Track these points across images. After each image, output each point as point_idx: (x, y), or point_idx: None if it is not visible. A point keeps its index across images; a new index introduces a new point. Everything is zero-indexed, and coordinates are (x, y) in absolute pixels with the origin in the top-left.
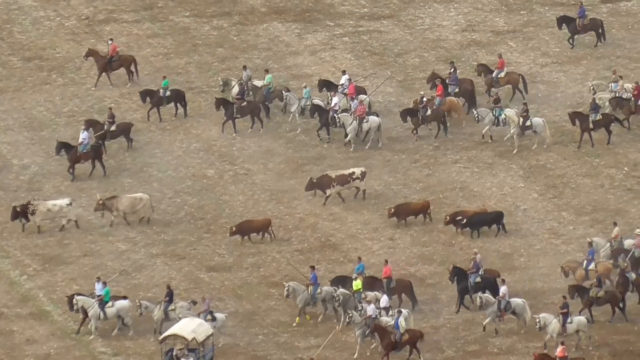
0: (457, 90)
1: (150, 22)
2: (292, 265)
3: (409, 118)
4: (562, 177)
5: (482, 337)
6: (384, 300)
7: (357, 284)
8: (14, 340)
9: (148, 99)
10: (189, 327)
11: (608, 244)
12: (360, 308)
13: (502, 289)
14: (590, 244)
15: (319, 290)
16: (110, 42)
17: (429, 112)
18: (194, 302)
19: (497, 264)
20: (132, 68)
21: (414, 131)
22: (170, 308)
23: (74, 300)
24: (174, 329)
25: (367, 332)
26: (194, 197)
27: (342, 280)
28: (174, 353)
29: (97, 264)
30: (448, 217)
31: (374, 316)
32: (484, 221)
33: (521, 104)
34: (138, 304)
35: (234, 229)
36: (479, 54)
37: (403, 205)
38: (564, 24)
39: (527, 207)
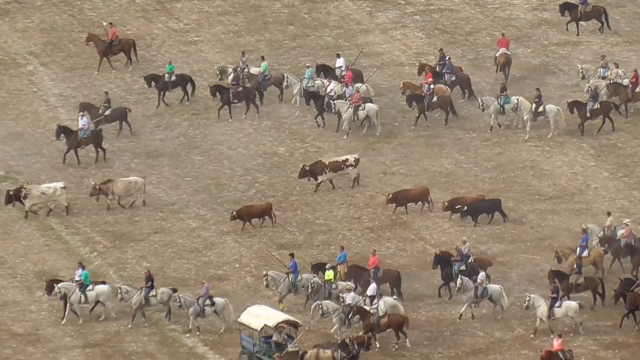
0: (453, 78)
1: None
2: (269, 252)
3: (414, 103)
4: (633, 156)
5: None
6: (372, 288)
7: (329, 274)
8: (84, 317)
9: (153, 84)
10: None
11: (602, 232)
12: (341, 298)
13: (480, 275)
14: (585, 230)
15: (299, 277)
16: (110, 26)
17: (435, 98)
18: (175, 290)
19: (568, 242)
20: (133, 52)
21: (418, 118)
22: (151, 294)
23: (56, 288)
24: (275, 317)
25: (345, 318)
26: (264, 175)
27: (322, 267)
28: (274, 339)
29: (167, 241)
30: (447, 203)
31: (352, 304)
32: (483, 208)
33: (534, 90)
34: (118, 289)
35: (234, 213)
36: (550, 33)
37: (402, 192)
38: (566, 11)
39: (598, 186)
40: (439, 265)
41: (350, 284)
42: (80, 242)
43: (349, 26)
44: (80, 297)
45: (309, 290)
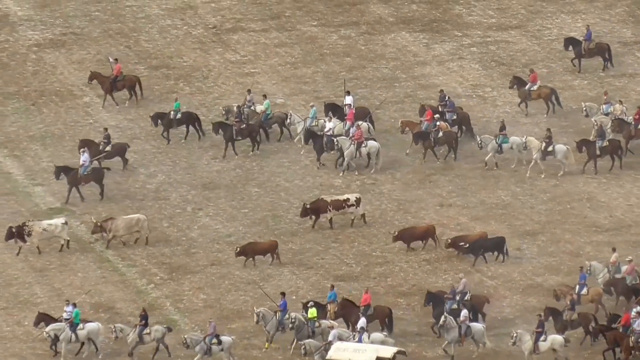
0: (454, 117)
1: (277, 31)
2: (261, 288)
3: (420, 141)
4: None
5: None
6: (362, 321)
7: (312, 312)
8: (141, 349)
9: (160, 122)
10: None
11: (605, 269)
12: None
13: (463, 313)
14: (582, 268)
15: (287, 316)
16: (114, 62)
17: (440, 134)
18: (169, 329)
19: None
20: (137, 88)
21: (425, 154)
22: (145, 332)
23: (45, 332)
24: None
25: (326, 357)
26: None
27: (322, 306)
28: None
29: (224, 273)
30: (450, 241)
31: (334, 342)
32: (487, 247)
33: (545, 130)
34: (113, 327)
35: (238, 249)
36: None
37: (408, 230)
38: (570, 46)
39: None
40: (430, 303)
41: (333, 322)
42: (137, 274)
43: (406, 58)
44: (71, 336)
45: (290, 327)
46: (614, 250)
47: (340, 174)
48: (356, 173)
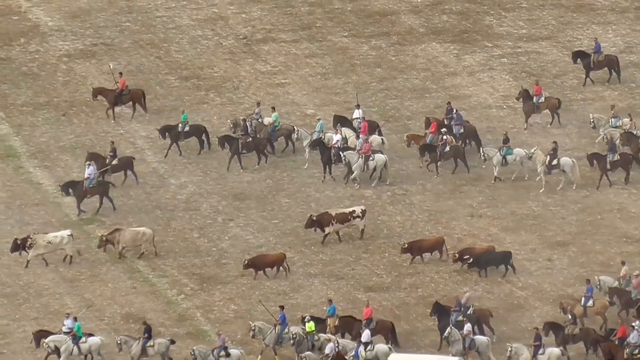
0: (462, 131)
1: (308, 41)
2: (262, 304)
3: (427, 154)
4: None
5: None
6: (366, 334)
7: (310, 325)
8: None
9: (167, 135)
10: None
11: (616, 282)
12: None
13: (467, 327)
14: (588, 281)
15: (286, 330)
16: (119, 76)
17: (447, 148)
18: (173, 341)
19: None
20: (142, 102)
21: (429, 167)
22: (148, 344)
23: (44, 343)
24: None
25: None
26: None
27: (321, 321)
28: None
29: (254, 283)
30: (457, 255)
31: (331, 355)
32: (492, 260)
33: (551, 142)
34: (118, 339)
35: (247, 262)
36: (637, 75)
37: (417, 242)
38: (578, 59)
39: None
40: (436, 315)
41: (331, 336)
42: (167, 285)
43: (436, 69)
44: (73, 349)
45: (291, 342)
46: (623, 263)
47: (356, 187)
48: (357, 187)
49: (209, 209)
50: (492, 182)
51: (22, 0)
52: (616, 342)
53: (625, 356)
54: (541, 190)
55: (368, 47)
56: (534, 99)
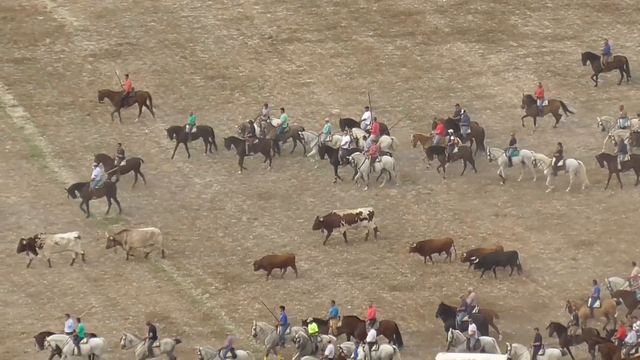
0: (468, 131)
1: (333, 41)
2: (264, 304)
3: (435, 156)
4: None
5: None
6: (371, 334)
7: (312, 327)
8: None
9: (175, 136)
10: None
11: (627, 283)
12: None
13: (471, 327)
14: (595, 282)
15: (287, 330)
16: (125, 77)
17: (455, 149)
18: (178, 340)
19: None
20: (148, 103)
21: (442, 168)
22: (154, 345)
23: (46, 342)
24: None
25: None
26: (376, 217)
27: (323, 322)
28: None
29: (279, 283)
30: (465, 255)
31: (331, 356)
32: (498, 261)
33: (557, 144)
34: (123, 337)
35: (256, 263)
36: None
37: (426, 242)
38: (588, 61)
39: None
40: (442, 316)
41: (332, 337)
42: (192, 284)
43: (462, 68)
44: (74, 349)
45: (297, 345)
46: (634, 264)
47: (365, 188)
48: (366, 188)
49: (233, 208)
50: (502, 183)
51: (47, 0)
52: (615, 343)
53: (622, 356)
54: (547, 192)
55: (393, 46)
56: (538, 102)
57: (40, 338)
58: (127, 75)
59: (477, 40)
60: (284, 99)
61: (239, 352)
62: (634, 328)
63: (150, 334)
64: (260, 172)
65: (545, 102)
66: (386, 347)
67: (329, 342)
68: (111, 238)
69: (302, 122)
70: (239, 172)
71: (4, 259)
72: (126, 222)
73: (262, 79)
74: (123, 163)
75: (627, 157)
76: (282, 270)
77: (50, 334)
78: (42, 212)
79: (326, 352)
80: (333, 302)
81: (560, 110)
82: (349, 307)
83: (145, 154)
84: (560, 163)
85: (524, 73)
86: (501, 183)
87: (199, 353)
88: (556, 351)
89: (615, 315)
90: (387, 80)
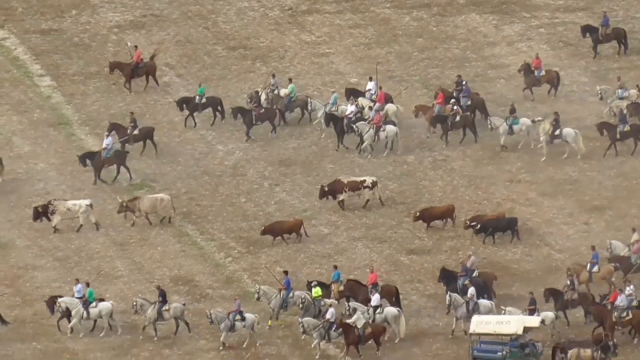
0: (469, 102)
1: (351, 12)
2: (267, 268)
3: (438, 125)
4: None
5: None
6: (375, 298)
7: (316, 291)
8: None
9: (185, 107)
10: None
11: (627, 249)
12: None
13: (470, 291)
14: (594, 247)
15: (291, 294)
16: (134, 48)
17: (457, 118)
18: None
19: None
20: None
21: (443, 136)
22: (164, 308)
23: (57, 303)
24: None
25: (325, 333)
26: (394, 182)
27: (326, 286)
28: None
29: (300, 247)
30: (467, 222)
31: (332, 320)
32: (498, 227)
33: (552, 113)
34: (134, 302)
35: (264, 229)
36: None
37: (428, 210)
38: (587, 33)
39: None
40: (444, 280)
41: (333, 301)
42: (215, 248)
43: (476, 39)
44: (83, 313)
45: (300, 307)
46: (633, 230)
47: (368, 157)
48: (368, 156)
49: (255, 175)
50: (501, 150)
51: None
52: (608, 307)
53: (614, 319)
54: (542, 160)
55: (410, 17)
56: (535, 73)
57: (51, 302)
58: (135, 47)
59: (491, 12)
60: (303, 68)
61: (247, 315)
62: (626, 292)
63: (160, 298)
64: (281, 140)
65: (543, 72)
66: (391, 310)
67: (330, 305)
68: (124, 204)
69: (321, 91)
70: (246, 141)
71: (32, 224)
72: (151, 189)
73: (282, 49)
74: (136, 132)
75: (626, 128)
76: (296, 236)
77: (60, 297)
78: (69, 178)
79: (327, 316)
80: (335, 266)
81: (556, 82)
82: (368, 270)
83: (170, 122)
84: (557, 132)
85: (537, 43)
86: (518, 148)
87: (208, 317)
88: (550, 314)
89: (613, 279)
90: (404, 50)
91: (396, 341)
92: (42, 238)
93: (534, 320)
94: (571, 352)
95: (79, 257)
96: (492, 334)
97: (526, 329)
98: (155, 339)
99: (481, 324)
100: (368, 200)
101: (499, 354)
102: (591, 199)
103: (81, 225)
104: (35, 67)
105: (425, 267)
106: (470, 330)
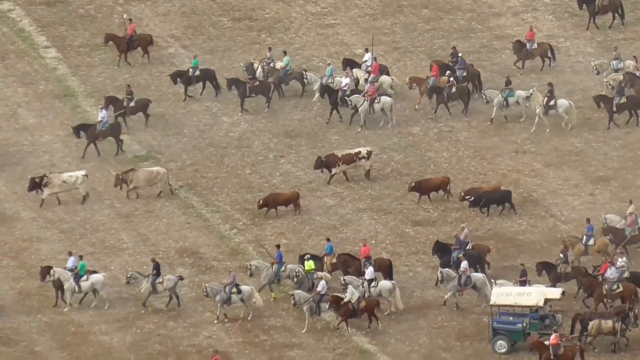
0: (465, 74)
1: None
2: (259, 243)
3: (434, 95)
4: None
5: None
6: (369, 272)
7: (309, 264)
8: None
9: (179, 80)
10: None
11: (623, 221)
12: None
13: (463, 264)
14: (589, 220)
15: (283, 268)
16: (129, 21)
17: (453, 89)
18: (181, 277)
19: None
20: (147, 48)
21: (437, 108)
22: (158, 281)
23: (51, 271)
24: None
25: (315, 306)
26: (399, 154)
27: (319, 259)
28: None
29: (305, 218)
30: (462, 193)
31: (323, 292)
32: (492, 199)
33: (546, 84)
34: (127, 274)
35: (261, 202)
36: None
37: (424, 181)
38: (584, 5)
39: None
40: (438, 253)
41: (324, 273)
42: (220, 220)
43: (482, 9)
44: (74, 287)
45: (294, 280)
46: (630, 202)
47: (359, 129)
48: (359, 129)
49: (260, 146)
50: (489, 123)
51: None
52: (599, 279)
53: (604, 292)
54: (532, 130)
55: None
56: (527, 45)
57: (45, 270)
58: (130, 20)
59: None
60: (309, 39)
61: (243, 288)
62: (617, 264)
63: (154, 271)
64: (286, 111)
65: (535, 45)
66: (385, 283)
67: (321, 278)
68: (119, 177)
69: (326, 62)
70: (240, 113)
71: (37, 197)
72: (156, 160)
73: (287, 20)
74: (132, 104)
75: (623, 100)
76: (293, 208)
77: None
78: (75, 150)
79: (318, 288)
80: (328, 239)
81: (549, 54)
82: (373, 242)
83: (175, 93)
84: (552, 102)
85: (542, 14)
86: (521, 120)
87: (204, 290)
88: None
89: (609, 251)
90: (410, 21)
91: (389, 312)
92: (48, 210)
93: (554, 292)
94: (592, 324)
95: (84, 229)
96: (513, 305)
97: (546, 301)
98: (161, 312)
99: (501, 295)
100: (368, 170)
101: (519, 325)
102: (596, 170)
103: (84, 197)
104: (40, 39)
105: (431, 239)
106: (491, 302)
